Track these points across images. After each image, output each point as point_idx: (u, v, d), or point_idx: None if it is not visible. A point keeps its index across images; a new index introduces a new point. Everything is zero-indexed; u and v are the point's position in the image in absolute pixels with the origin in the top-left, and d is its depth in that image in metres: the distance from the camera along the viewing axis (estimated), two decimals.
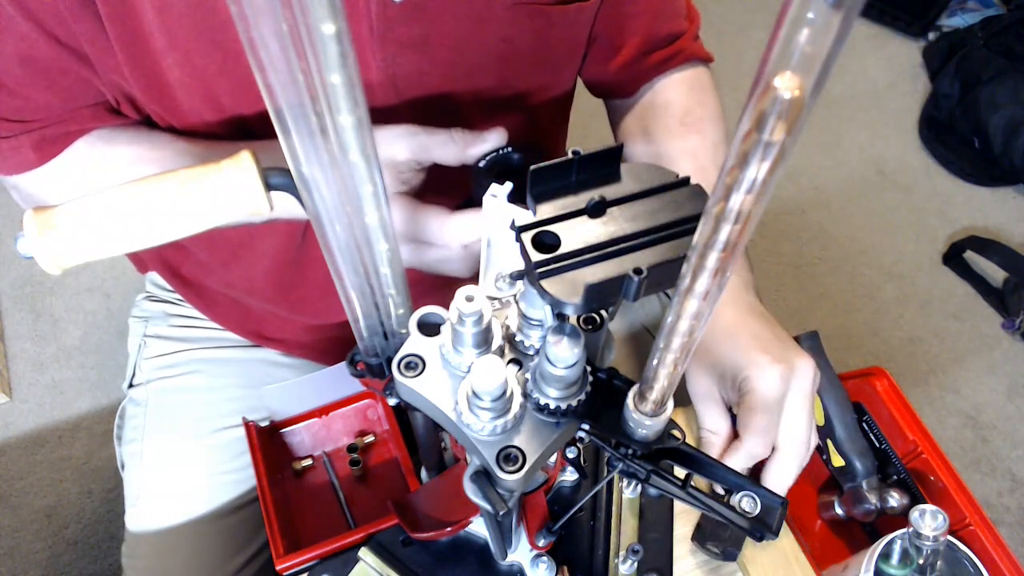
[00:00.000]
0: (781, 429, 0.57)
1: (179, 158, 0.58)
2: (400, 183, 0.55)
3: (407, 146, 0.55)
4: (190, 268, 0.77)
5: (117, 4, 0.50)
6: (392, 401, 0.43)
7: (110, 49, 0.53)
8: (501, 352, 0.40)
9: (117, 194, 0.36)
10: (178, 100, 0.56)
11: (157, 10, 0.50)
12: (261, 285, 0.73)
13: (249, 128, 0.58)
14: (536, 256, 0.34)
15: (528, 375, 0.38)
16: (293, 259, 0.69)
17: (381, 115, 0.54)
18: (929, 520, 0.61)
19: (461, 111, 0.64)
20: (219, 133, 0.59)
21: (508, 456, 0.38)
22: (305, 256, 0.69)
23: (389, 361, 0.41)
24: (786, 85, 0.19)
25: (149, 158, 0.59)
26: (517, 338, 0.41)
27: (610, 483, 0.62)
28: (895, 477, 0.73)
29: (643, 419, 0.36)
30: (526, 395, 0.38)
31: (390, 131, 0.55)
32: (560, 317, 0.37)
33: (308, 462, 0.69)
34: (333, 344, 0.80)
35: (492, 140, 0.55)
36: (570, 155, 0.35)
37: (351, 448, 0.70)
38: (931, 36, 2.13)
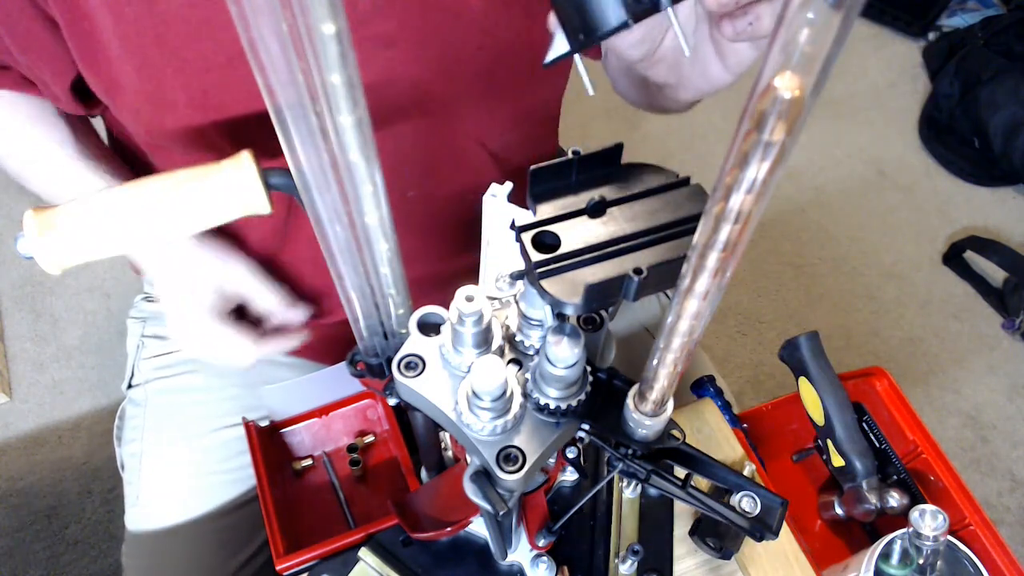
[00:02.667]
0: None
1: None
2: (211, 305, 0.62)
3: (241, 277, 0.63)
4: None
5: (71, 9, 0.50)
6: (392, 401, 0.43)
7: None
8: (501, 352, 0.40)
9: (117, 194, 0.36)
10: (134, 105, 0.56)
11: (113, 17, 0.50)
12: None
13: (207, 136, 0.57)
14: (536, 256, 0.34)
15: (528, 375, 0.38)
16: (274, 253, 0.68)
17: None
18: (929, 520, 0.61)
19: (440, 110, 0.62)
20: (175, 141, 0.58)
21: (508, 456, 0.38)
22: (288, 250, 0.68)
23: (389, 361, 0.41)
24: (786, 85, 0.19)
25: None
26: (517, 338, 0.41)
27: (610, 483, 0.62)
28: (895, 477, 0.73)
29: (643, 419, 0.36)
30: (526, 395, 0.38)
31: (232, 260, 0.63)
32: (560, 317, 0.37)
33: (308, 462, 0.69)
34: (333, 344, 0.80)
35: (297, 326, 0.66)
36: (570, 155, 0.35)
37: (351, 448, 0.70)
38: (931, 36, 2.13)
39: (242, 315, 0.66)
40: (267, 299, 0.64)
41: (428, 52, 0.57)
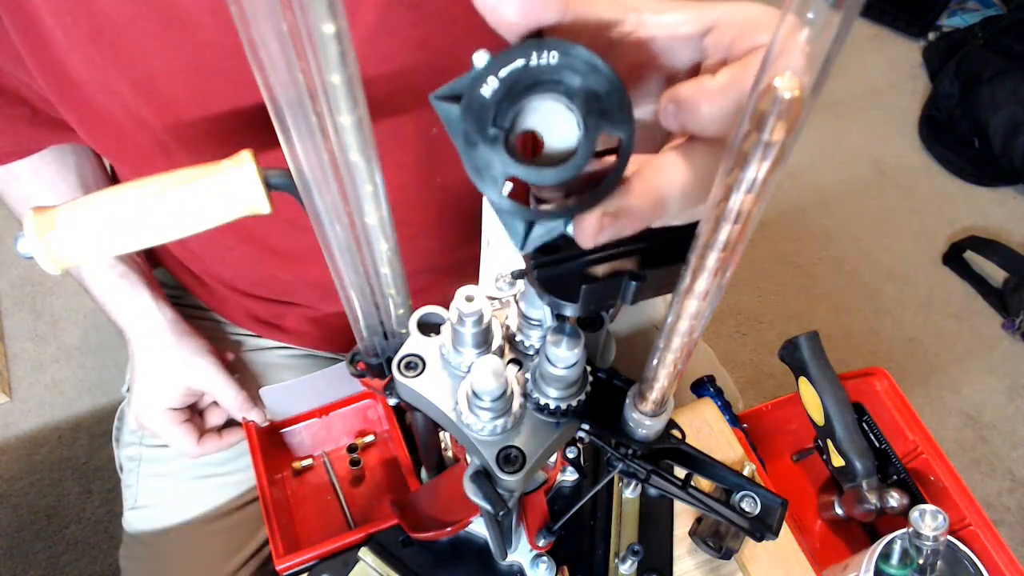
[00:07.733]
0: None
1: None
2: (176, 400, 0.70)
3: (208, 376, 0.70)
4: (189, 259, 0.77)
5: (11, 6, 0.49)
6: (392, 401, 0.43)
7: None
8: (501, 352, 0.40)
9: (117, 194, 0.36)
10: (89, 100, 0.54)
11: (52, 9, 0.49)
12: (233, 267, 0.72)
13: (154, 133, 0.55)
14: (536, 256, 0.33)
15: (528, 375, 0.38)
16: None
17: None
18: (929, 520, 0.61)
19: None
20: (129, 134, 0.56)
21: (508, 456, 0.38)
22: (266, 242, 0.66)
23: (389, 361, 0.41)
24: (786, 85, 0.19)
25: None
26: (517, 338, 0.41)
27: (610, 483, 0.62)
28: (895, 477, 0.73)
29: (643, 419, 0.36)
30: (526, 395, 0.38)
31: (201, 361, 0.71)
32: (560, 318, 0.36)
33: (308, 462, 0.69)
34: (336, 334, 0.79)
35: (256, 418, 0.71)
36: None
37: (351, 448, 0.70)
38: (931, 36, 2.13)
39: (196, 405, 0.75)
40: (228, 398, 0.71)
41: (435, 43, 0.57)
